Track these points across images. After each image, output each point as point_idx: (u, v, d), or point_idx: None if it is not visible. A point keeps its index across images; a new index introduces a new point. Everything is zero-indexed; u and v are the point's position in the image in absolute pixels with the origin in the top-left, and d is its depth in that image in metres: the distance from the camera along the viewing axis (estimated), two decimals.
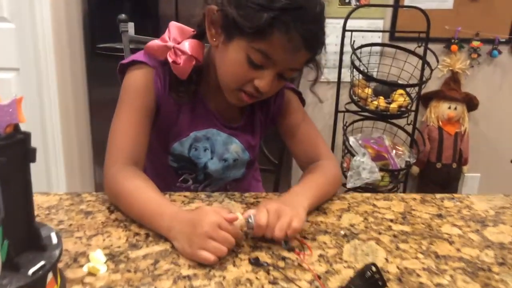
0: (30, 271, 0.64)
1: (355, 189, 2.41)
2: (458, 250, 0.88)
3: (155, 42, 1.05)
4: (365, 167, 2.40)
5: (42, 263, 0.66)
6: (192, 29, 1.06)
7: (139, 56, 1.07)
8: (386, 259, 0.84)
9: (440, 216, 1.00)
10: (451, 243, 0.90)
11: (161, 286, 0.75)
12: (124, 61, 1.07)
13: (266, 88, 0.98)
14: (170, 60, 1.02)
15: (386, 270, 0.81)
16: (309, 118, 1.19)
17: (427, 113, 2.77)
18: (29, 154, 0.65)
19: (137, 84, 1.05)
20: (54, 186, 2.46)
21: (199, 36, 1.05)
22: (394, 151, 2.53)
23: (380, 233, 0.92)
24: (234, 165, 1.18)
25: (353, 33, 2.42)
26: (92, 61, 2.45)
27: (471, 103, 2.74)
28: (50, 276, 0.68)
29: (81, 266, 0.78)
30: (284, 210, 0.87)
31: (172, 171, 1.16)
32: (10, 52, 2.33)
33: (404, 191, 2.63)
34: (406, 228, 0.95)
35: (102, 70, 2.40)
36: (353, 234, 0.92)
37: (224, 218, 0.82)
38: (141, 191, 0.94)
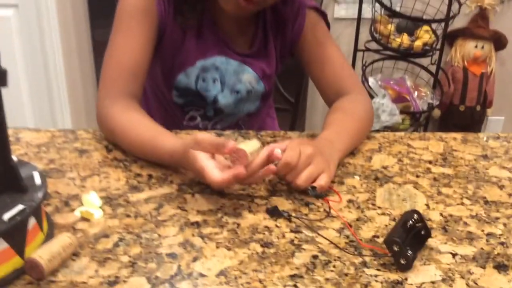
0: (6, 216, 0.53)
1: (373, 132, 2.28)
2: (510, 195, 0.76)
3: None
4: (385, 109, 2.26)
5: (20, 207, 0.55)
6: None
7: None
8: (427, 205, 0.72)
9: (485, 157, 0.88)
10: (501, 187, 0.78)
11: (165, 234, 0.64)
12: None
13: None
14: None
15: (428, 217, 0.69)
16: (335, 43, 1.03)
17: (452, 52, 2.59)
18: None
19: (136, 5, 0.90)
20: (60, 126, 2.37)
21: None
22: (416, 92, 2.39)
23: (418, 176, 0.80)
24: (248, 97, 1.04)
25: None
26: None
27: (499, 42, 2.56)
28: (32, 221, 0.57)
29: (73, 210, 0.68)
30: (317, 159, 0.73)
31: (177, 108, 1.04)
32: None
33: None
34: (447, 171, 0.82)
35: (105, 6, 2.24)
36: (386, 177, 0.79)
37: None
38: (138, 122, 0.83)
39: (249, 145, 0.68)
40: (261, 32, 1.00)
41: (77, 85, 2.42)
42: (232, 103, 1.03)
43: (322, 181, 0.72)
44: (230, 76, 1.00)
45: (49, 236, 0.61)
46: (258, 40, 1.01)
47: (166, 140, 0.78)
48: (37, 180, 0.60)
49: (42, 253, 0.55)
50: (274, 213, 0.69)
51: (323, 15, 1.03)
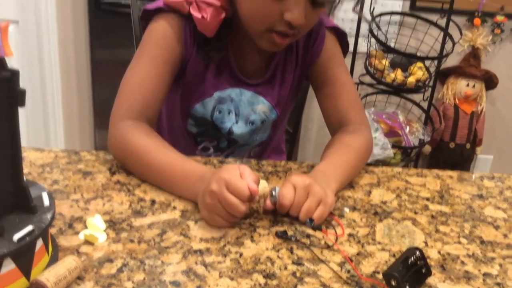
0: (16, 237, 0.53)
1: (366, 165, 2.30)
2: (505, 236, 0.78)
3: None
4: (377, 143, 2.29)
5: (30, 227, 0.55)
6: None
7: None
8: (425, 243, 0.74)
9: (481, 196, 0.90)
10: (496, 227, 0.80)
11: (169, 261, 0.64)
12: (149, 6, 0.94)
13: (300, 20, 0.82)
14: (196, 16, 0.88)
15: (427, 255, 0.70)
16: (346, 70, 1.03)
17: (444, 90, 2.65)
18: (17, 96, 0.53)
19: (165, 33, 0.92)
20: (52, 147, 2.36)
21: None
22: (407, 127, 2.42)
23: (416, 213, 0.82)
24: (262, 127, 1.05)
25: (372, 0, 2.28)
26: (95, 17, 2.31)
27: (490, 81, 2.61)
28: (39, 243, 0.57)
29: (77, 233, 0.68)
30: (313, 189, 0.74)
31: (191, 138, 1.04)
32: (9, 3, 2.19)
33: None
34: (445, 209, 0.84)
35: (105, 26, 2.27)
36: (385, 213, 0.81)
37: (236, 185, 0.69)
38: (160, 150, 0.82)
39: (260, 186, 0.72)
40: (277, 57, 1.00)
41: (73, 104, 2.42)
42: (246, 133, 1.04)
43: (319, 213, 0.74)
44: (245, 107, 1.01)
45: (54, 258, 0.62)
46: (273, 65, 1.01)
47: (194, 164, 0.80)
48: (46, 201, 0.61)
49: (48, 275, 0.55)
50: (283, 236, 0.71)
51: (342, 35, 1.03)
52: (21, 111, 0.54)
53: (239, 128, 1.03)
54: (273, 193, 0.74)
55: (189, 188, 0.77)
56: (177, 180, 0.79)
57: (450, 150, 2.65)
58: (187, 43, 0.93)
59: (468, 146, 2.65)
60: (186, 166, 0.80)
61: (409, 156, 2.40)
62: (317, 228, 0.73)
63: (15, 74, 0.52)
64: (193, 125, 1.02)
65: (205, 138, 1.04)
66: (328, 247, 0.70)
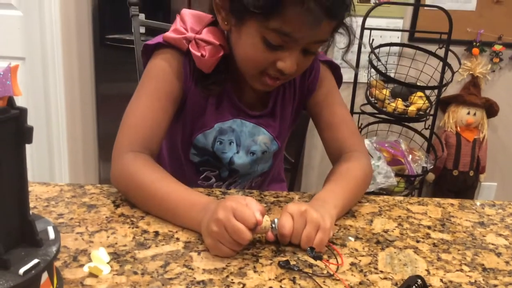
0: (22, 270, 0.54)
1: (368, 194, 2.31)
2: (507, 263, 0.78)
3: (171, 35, 0.94)
4: (380, 172, 2.30)
5: (35, 261, 0.56)
6: (211, 15, 0.96)
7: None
8: (428, 271, 0.74)
9: (482, 224, 0.90)
10: (498, 255, 0.80)
11: None
12: (150, 42, 0.97)
13: (291, 69, 0.87)
14: (195, 53, 0.92)
15: (429, 283, 0.70)
16: (342, 100, 1.07)
17: (445, 118, 2.67)
18: (25, 134, 0.55)
19: (164, 68, 0.95)
20: (57, 181, 2.38)
21: (217, 21, 0.94)
22: (410, 156, 2.43)
23: (418, 241, 0.82)
24: (263, 157, 1.07)
25: (371, 32, 2.32)
26: (100, 52, 2.36)
27: (491, 109, 2.64)
28: (45, 276, 0.58)
29: (82, 265, 0.69)
30: (310, 215, 0.76)
31: (192, 167, 1.06)
32: (16, 41, 2.25)
33: None
34: (446, 237, 0.85)
35: (110, 62, 2.32)
36: (387, 241, 0.82)
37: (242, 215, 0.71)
38: (163, 182, 0.84)
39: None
40: (275, 91, 1.03)
41: (78, 138, 2.45)
42: (247, 163, 1.05)
43: (318, 240, 0.75)
44: (246, 138, 1.03)
45: None
46: (273, 98, 1.04)
47: (198, 194, 0.83)
48: (51, 234, 0.62)
49: None
50: (286, 266, 0.71)
51: (336, 69, 1.07)
52: (27, 145, 0.55)
53: (240, 158, 1.04)
54: (273, 225, 0.76)
55: (192, 218, 0.78)
56: (180, 211, 0.80)
57: (453, 177, 2.65)
58: (187, 77, 0.95)
59: (471, 173, 2.66)
60: (190, 197, 0.82)
61: (413, 184, 2.40)
62: (317, 257, 0.73)
63: (23, 112, 0.54)
64: (195, 154, 1.04)
65: (207, 168, 1.06)
66: (330, 276, 0.71)
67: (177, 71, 0.95)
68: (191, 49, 0.92)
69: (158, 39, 0.96)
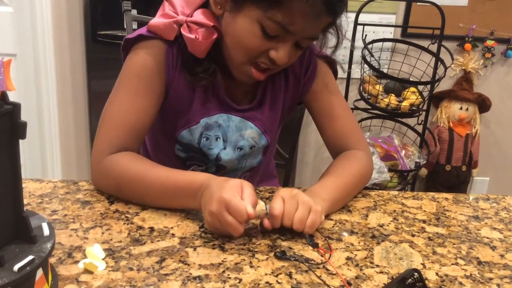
0: (16, 267, 0.54)
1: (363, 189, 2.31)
2: (502, 256, 0.78)
3: (160, 20, 0.91)
4: (374, 167, 2.29)
5: (30, 257, 0.56)
6: None
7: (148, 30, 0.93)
8: (423, 265, 0.74)
9: (477, 218, 0.91)
10: (493, 248, 0.80)
11: None
12: (130, 36, 0.94)
13: (283, 60, 0.86)
14: (188, 36, 0.88)
15: (425, 277, 0.71)
16: (341, 95, 1.06)
17: (438, 113, 2.68)
18: (18, 129, 0.54)
19: (145, 64, 0.91)
20: (50, 177, 2.36)
21: (207, 3, 0.91)
22: (403, 151, 2.44)
23: (413, 235, 0.82)
24: (251, 152, 1.05)
25: (364, 28, 2.32)
26: (92, 49, 2.34)
27: (483, 104, 2.65)
28: (39, 273, 0.58)
29: (77, 262, 0.68)
30: (301, 198, 0.78)
31: (179, 161, 1.04)
32: (7, 37, 2.23)
33: None
34: (441, 231, 0.85)
35: (102, 58, 2.30)
36: (383, 236, 0.82)
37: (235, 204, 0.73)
38: (155, 168, 0.86)
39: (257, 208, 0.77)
40: (263, 84, 1.00)
41: (70, 135, 2.43)
42: (235, 159, 1.03)
43: (310, 221, 0.77)
44: (233, 133, 1.00)
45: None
46: (261, 90, 1.01)
47: (193, 172, 0.86)
48: (46, 231, 0.61)
49: None
50: (282, 257, 0.72)
51: (332, 63, 1.05)
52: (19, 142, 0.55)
53: (227, 155, 1.02)
54: (265, 209, 0.77)
55: (192, 196, 0.81)
56: (179, 192, 0.82)
57: (446, 172, 2.66)
58: (170, 67, 0.92)
59: (464, 168, 2.67)
60: (186, 176, 0.83)
61: (406, 179, 2.41)
62: (316, 245, 0.76)
63: (16, 107, 0.54)
64: (180, 150, 1.02)
65: (194, 162, 1.05)
66: (326, 270, 0.71)
67: (159, 64, 0.92)
68: (183, 32, 0.89)
69: (140, 31, 0.93)
